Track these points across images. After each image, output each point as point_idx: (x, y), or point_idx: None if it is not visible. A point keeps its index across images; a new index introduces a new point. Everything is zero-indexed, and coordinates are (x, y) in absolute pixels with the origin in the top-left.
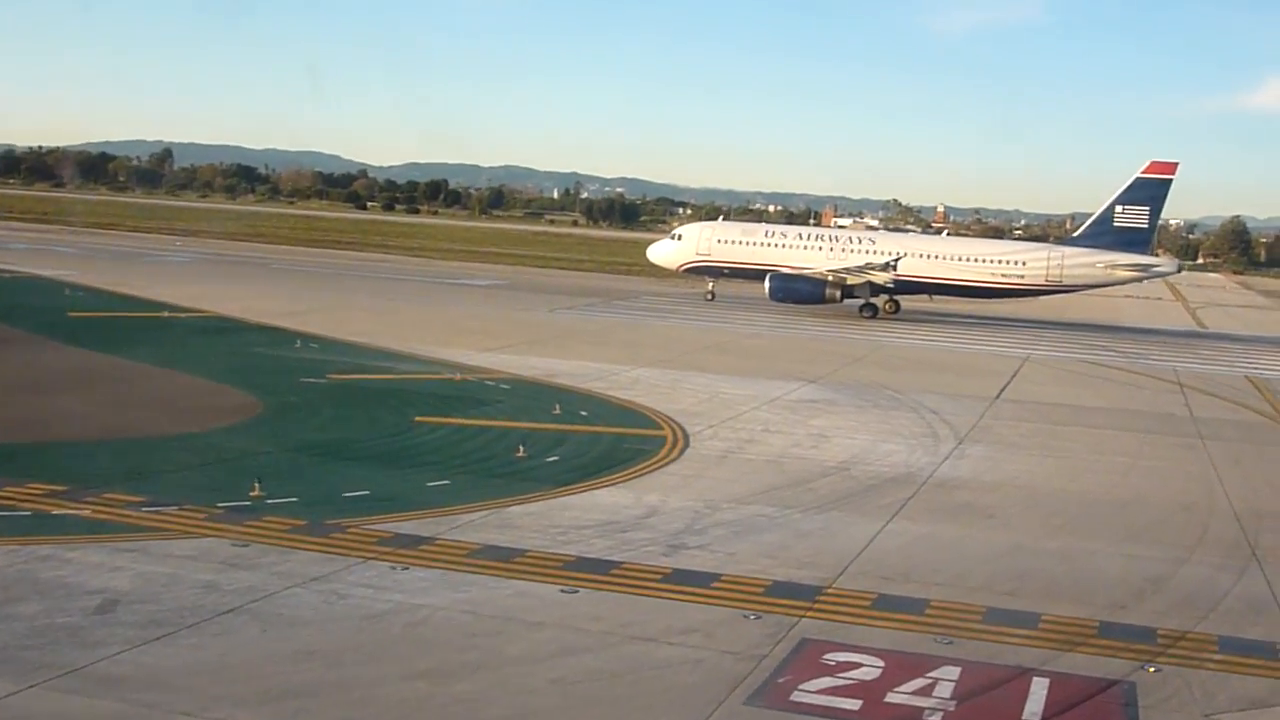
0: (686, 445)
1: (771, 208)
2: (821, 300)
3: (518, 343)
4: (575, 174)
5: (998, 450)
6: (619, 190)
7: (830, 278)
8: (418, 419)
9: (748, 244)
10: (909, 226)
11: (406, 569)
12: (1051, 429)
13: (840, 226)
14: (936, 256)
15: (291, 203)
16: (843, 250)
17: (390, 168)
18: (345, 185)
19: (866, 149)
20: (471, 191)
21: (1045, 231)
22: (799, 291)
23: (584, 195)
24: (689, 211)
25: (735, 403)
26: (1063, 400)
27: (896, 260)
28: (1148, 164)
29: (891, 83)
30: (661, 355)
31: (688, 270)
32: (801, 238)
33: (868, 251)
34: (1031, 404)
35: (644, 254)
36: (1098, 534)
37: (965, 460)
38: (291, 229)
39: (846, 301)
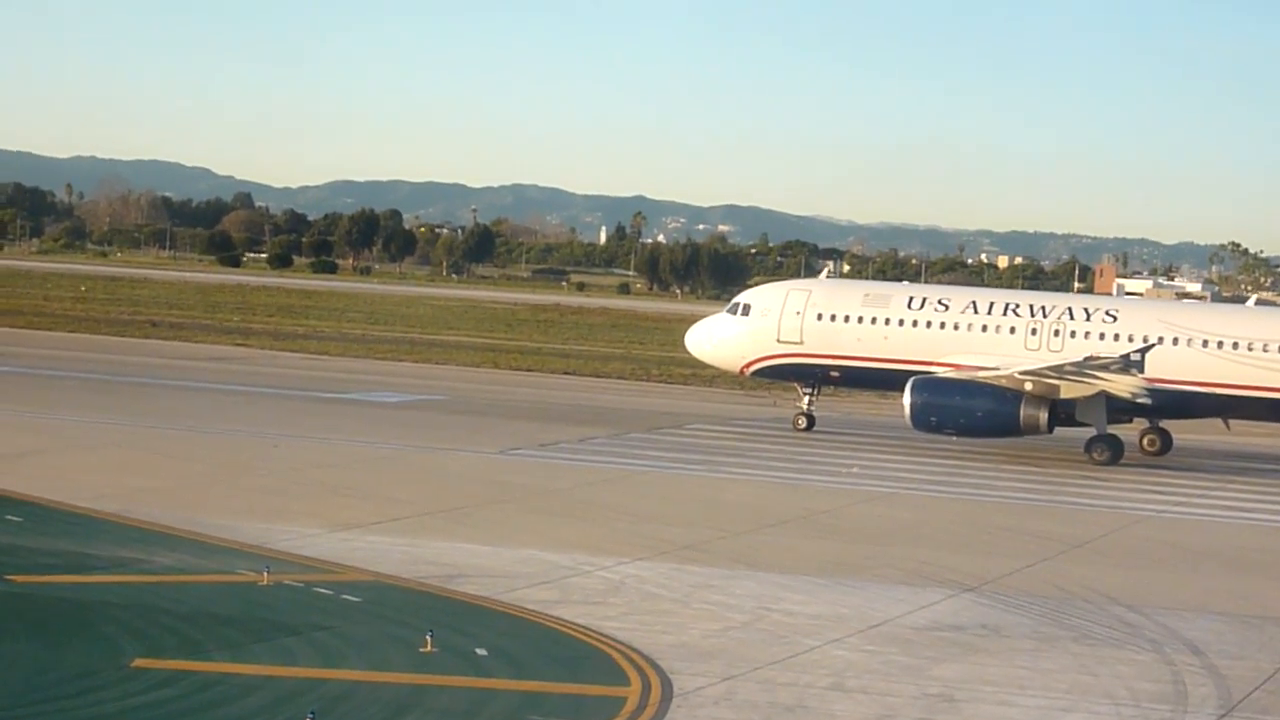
0: (659, 718)
1: (1004, 259)
2: (1014, 429)
3: (415, 512)
4: (640, 198)
5: None
6: (721, 227)
7: (1029, 384)
8: (138, 663)
9: (874, 321)
10: (1266, 294)
11: None
12: None
13: (1129, 293)
14: (1234, 345)
15: (104, 253)
16: (1053, 330)
17: (304, 189)
18: (210, 221)
19: (1182, 154)
20: (439, 231)
21: None
22: (969, 412)
23: (656, 238)
24: (844, 267)
25: (796, 630)
26: None
27: (1144, 352)
28: None
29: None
30: (686, 535)
31: (760, 371)
32: (977, 309)
33: (1098, 335)
34: None
35: None
36: None
37: None
38: (73, 302)
39: (1062, 431)
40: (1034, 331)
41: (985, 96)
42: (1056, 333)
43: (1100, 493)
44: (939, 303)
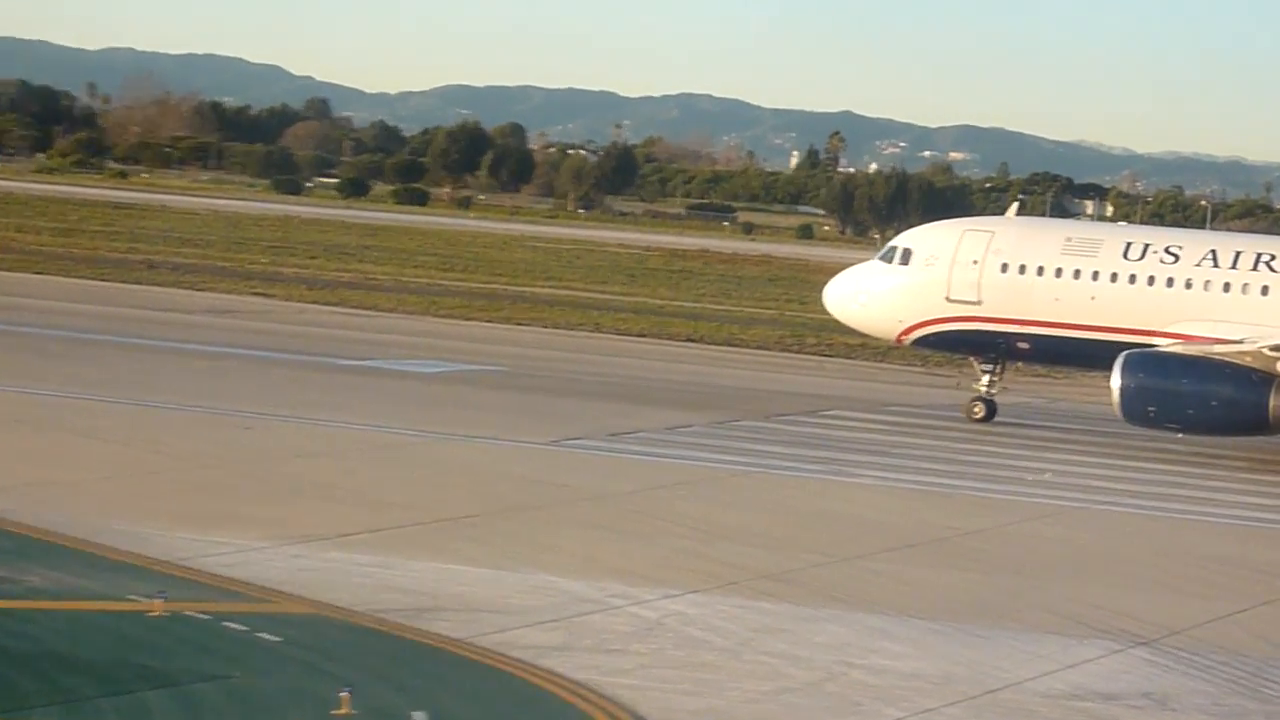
0: None
1: None
2: (1261, 425)
3: (405, 521)
4: (848, 114)
5: None
6: (952, 155)
7: None
8: None
9: (1078, 275)
10: None
11: None
12: None
13: None
14: None
15: (123, 173)
16: None
17: (405, 96)
18: (273, 135)
19: None
20: (571, 153)
21: None
22: (1201, 400)
23: (868, 167)
24: (1107, 209)
25: (877, 695)
26: None
27: None
28: None
29: None
30: (770, 560)
31: (923, 340)
32: (1218, 261)
33: None
34: None
35: None
36: None
37: None
38: (54, 235)
39: None
40: None
41: None
42: None
43: None
44: (1166, 251)
